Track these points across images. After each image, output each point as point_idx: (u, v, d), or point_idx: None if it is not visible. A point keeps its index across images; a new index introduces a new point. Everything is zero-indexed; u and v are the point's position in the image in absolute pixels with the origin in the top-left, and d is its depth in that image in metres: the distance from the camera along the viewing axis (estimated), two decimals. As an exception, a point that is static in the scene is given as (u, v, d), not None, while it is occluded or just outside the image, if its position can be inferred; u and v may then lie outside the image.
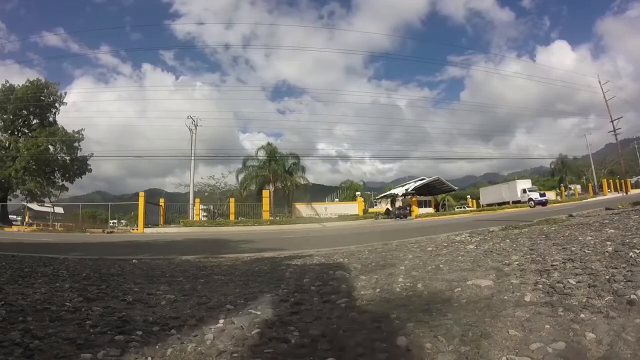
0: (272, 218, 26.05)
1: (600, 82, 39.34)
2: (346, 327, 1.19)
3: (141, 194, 23.41)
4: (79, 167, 32.11)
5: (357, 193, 39.02)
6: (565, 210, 8.94)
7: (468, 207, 44.20)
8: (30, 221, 33.20)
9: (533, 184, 36.40)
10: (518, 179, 42.21)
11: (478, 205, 41.16)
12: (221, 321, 1.36)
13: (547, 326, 0.99)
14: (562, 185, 46.25)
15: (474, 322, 1.09)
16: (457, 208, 43.84)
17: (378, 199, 51.22)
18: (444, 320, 1.13)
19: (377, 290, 1.67)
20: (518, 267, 1.67)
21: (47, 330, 1.25)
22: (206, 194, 33.18)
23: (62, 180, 31.69)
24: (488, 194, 41.80)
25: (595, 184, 44.75)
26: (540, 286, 1.32)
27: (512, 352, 0.89)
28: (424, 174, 47.11)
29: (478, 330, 1.03)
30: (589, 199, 29.57)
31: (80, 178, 32.76)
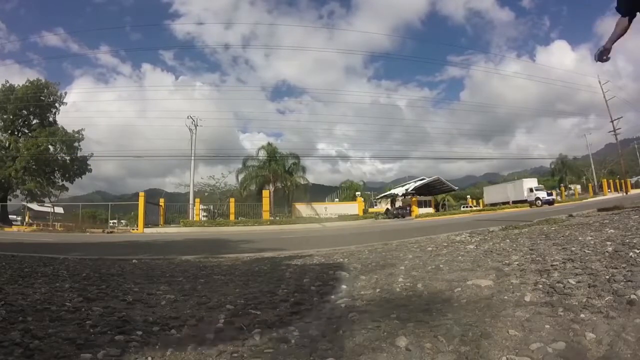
0: (272, 218, 26.05)
1: (600, 82, 39.36)
2: (346, 327, 1.19)
3: (141, 194, 23.41)
4: (79, 167, 32.11)
5: (357, 193, 39.03)
6: (565, 210, 8.93)
7: (469, 206, 44.12)
8: (30, 221, 33.20)
9: (534, 183, 36.34)
10: (518, 178, 42.16)
11: (484, 204, 40.99)
12: (221, 321, 1.36)
13: (547, 326, 0.99)
14: (562, 185, 46.23)
15: (474, 322, 1.09)
16: (463, 207, 43.71)
17: (378, 199, 51.21)
18: (444, 320, 1.13)
19: (377, 290, 1.67)
20: (518, 267, 1.67)
21: (47, 330, 1.25)
22: (206, 194, 33.20)
23: (62, 180, 31.70)
24: (492, 194, 41.54)
25: (595, 184, 44.75)
26: (540, 286, 1.32)
27: (512, 352, 0.89)
28: (424, 174, 47.12)
29: (478, 330, 1.03)
30: (589, 199, 29.56)
31: (80, 178, 32.78)
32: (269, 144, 34.09)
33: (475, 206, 43.86)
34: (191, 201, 27.63)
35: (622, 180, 38.47)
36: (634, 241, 1.73)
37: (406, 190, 41.07)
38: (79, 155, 31.80)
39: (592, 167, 49.30)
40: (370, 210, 38.16)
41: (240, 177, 32.55)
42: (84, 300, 1.76)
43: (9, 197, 30.52)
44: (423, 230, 8.10)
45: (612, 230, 2.21)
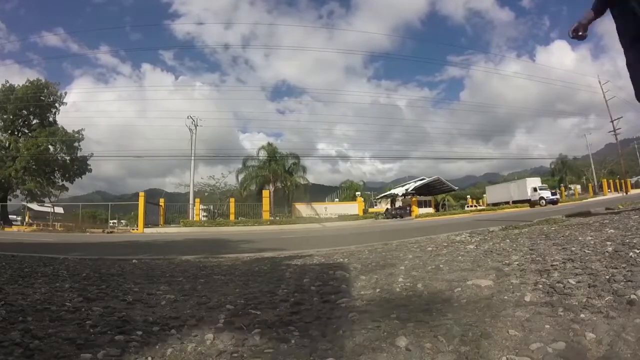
0: (272, 218, 26.05)
1: (600, 82, 39.41)
2: (346, 327, 1.19)
3: (141, 194, 23.42)
4: (79, 167, 32.13)
5: (357, 193, 39.06)
6: (565, 211, 8.93)
7: (474, 206, 44.02)
8: (30, 221, 33.21)
9: (535, 183, 36.28)
10: (518, 178, 42.12)
11: (486, 204, 40.91)
12: (221, 321, 1.36)
13: (547, 326, 0.99)
14: (562, 185, 46.21)
15: (474, 322, 1.09)
16: (467, 207, 43.64)
17: (378, 199, 51.23)
18: (444, 320, 1.13)
19: (377, 290, 1.67)
20: (518, 267, 1.67)
21: (47, 330, 1.25)
22: (206, 194, 33.21)
23: (62, 180, 31.72)
24: (495, 193, 41.36)
25: (595, 184, 44.76)
26: (540, 286, 1.32)
27: (512, 352, 0.89)
28: (424, 174, 47.14)
29: (478, 330, 1.03)
30: (589, 199, 29.56)
31: (80, 178, 32.80)
32: (269, 144, 34.13)
33: (476, 205, 43.84)
34: (191, 201, 27.64)
35: (622, 180, 38.47)
36: (634, 241, 1.73)
37: (406, 190, 41.07)
38: (79, 155, 31.84)
39: (592, 167, 49.31)
40: (370, 210, 38.16)
41: (240, 177, 32.60)
42: (84, 300, 1.76)
43: (9, 197, 30.53)
44: (423, 230, 8.10)
45: (612, 230, 2.21)
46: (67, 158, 31.21)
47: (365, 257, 2.73)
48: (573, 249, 1.82)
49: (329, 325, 1.25)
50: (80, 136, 31.41)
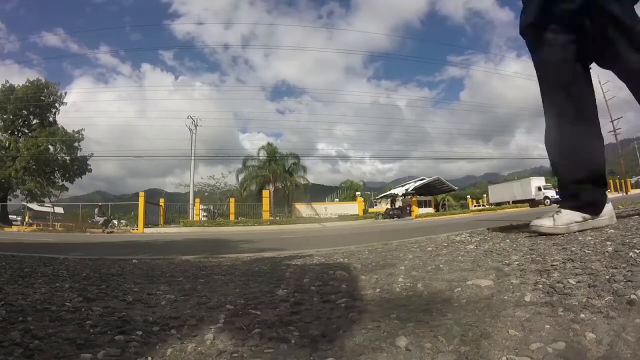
0: (272, 218, 26.08)
1: (600, 82, 39.38)
2: (346, 327, 1.19)
3: (141, 194, 23.45)
4: (79, 167, 32.18)
5: (357, 193, 39.09)
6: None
7: (480, 205, 43.99)
8: (30, 221, 33.22)
9: (535, 183, 36.25)
10: (518, 178, 42.11)
11: (488, 203, 40.83)
12: (221, 321, 1.36)
13: (547, 326, 0.99)
14: (562, 185, 46.07)
15: (474, 322, 1.09)
16: (474, 206, 43.60)
17: (378, 199, 51.26)
18: (444, 320, 1.13)
19: (377, 290, 1.67)
20: (518, 267, 1.67)
21: (47, 330, 1.25)
22: (206, 194, 33.25)
23: (62, 180, 31.77)
24: (498, 193, 41.23)
25: (596, 184, 44.62)
26: (540, 286, 1.32)
27: (512, 352, 0.89)
28: (424, 174, 47.20)
29: (478, 330, 1.02)
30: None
31: (80, 178, 32.87)
32: (269, 144, 34.20)
33: (483, 205, 43.78)
34: (191, 201, 27.68)
35: (622, 180, 38.48)
36: (634, 241, 1.73)
37: (406, 190, 41.11)
38: (79, 155, 31.90)
39: (592, 167, 49.13)
40: (370, 210, 38.18)
41: (240, 177, 32.67)
42: (84, 300, 1.75)
43: (9, 197, 30.56)
44: (423, 230, 8.10)
45: (612, 230, 2.21)
46: (67, 158, 31.25)
47: (365, 257, 2.73)
48: (573, 249, 1.82)
49: (329, 325, 1.24)
50: (80, 136, 31.47)
